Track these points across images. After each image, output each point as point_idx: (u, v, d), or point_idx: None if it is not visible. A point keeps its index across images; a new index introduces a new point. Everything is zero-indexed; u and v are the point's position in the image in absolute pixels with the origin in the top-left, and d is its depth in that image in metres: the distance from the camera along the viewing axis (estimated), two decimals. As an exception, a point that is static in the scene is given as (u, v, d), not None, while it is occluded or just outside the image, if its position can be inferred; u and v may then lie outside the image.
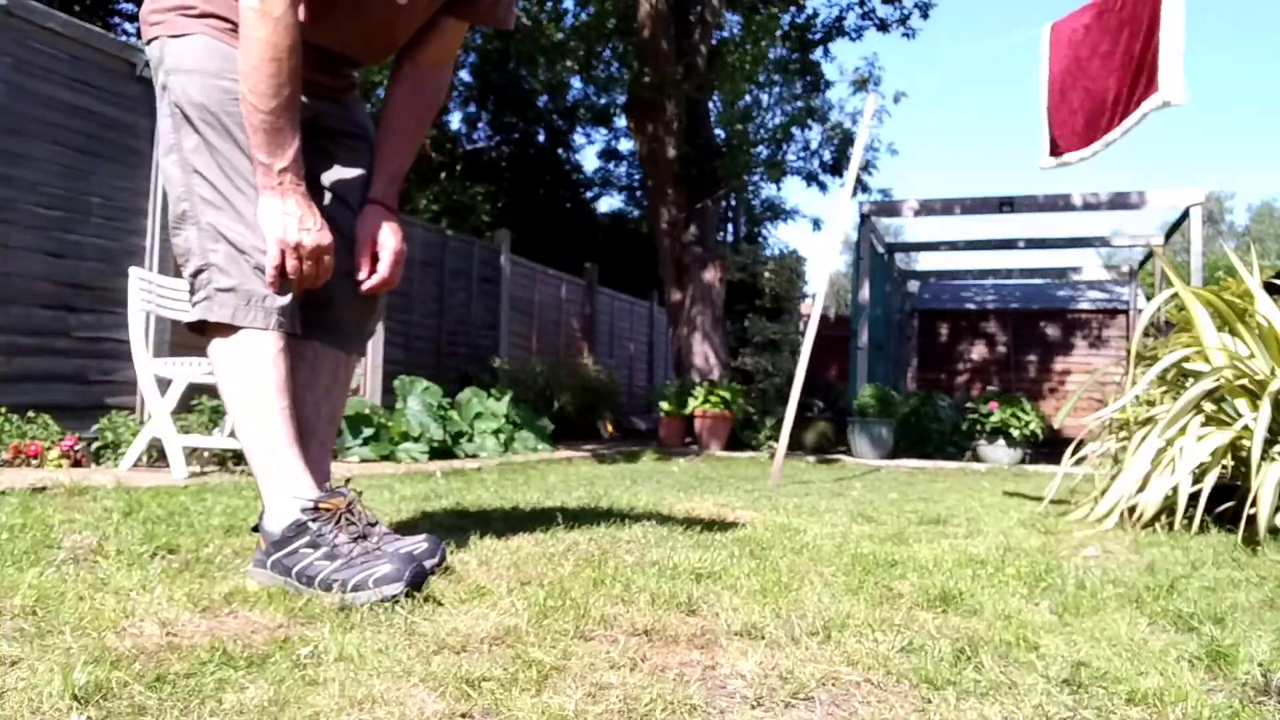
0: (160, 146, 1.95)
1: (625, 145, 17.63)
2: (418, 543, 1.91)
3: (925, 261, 16.57)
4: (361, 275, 2.03)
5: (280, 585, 1.76)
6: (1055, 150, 6.04)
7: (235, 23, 1.87)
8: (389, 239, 2.05)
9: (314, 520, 1.78)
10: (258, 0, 1.76)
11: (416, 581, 1.68)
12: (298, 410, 1.96)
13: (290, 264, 1.84)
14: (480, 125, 16.36)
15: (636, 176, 17.60)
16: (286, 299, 1.89)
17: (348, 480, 2.03)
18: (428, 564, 1.86)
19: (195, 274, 1.89)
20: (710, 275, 10.85)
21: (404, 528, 2.66)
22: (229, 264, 1.86)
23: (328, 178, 2.07)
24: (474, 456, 6.76)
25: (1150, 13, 5.19)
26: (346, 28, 2.01)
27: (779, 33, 11.22)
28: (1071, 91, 5.85)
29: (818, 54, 12.71)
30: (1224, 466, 3.24)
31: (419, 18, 2.06)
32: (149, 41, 1.95)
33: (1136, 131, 5.42)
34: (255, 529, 1.87)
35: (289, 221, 1.83)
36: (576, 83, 13.33)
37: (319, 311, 2.02)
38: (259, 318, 1.85)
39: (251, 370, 1.86)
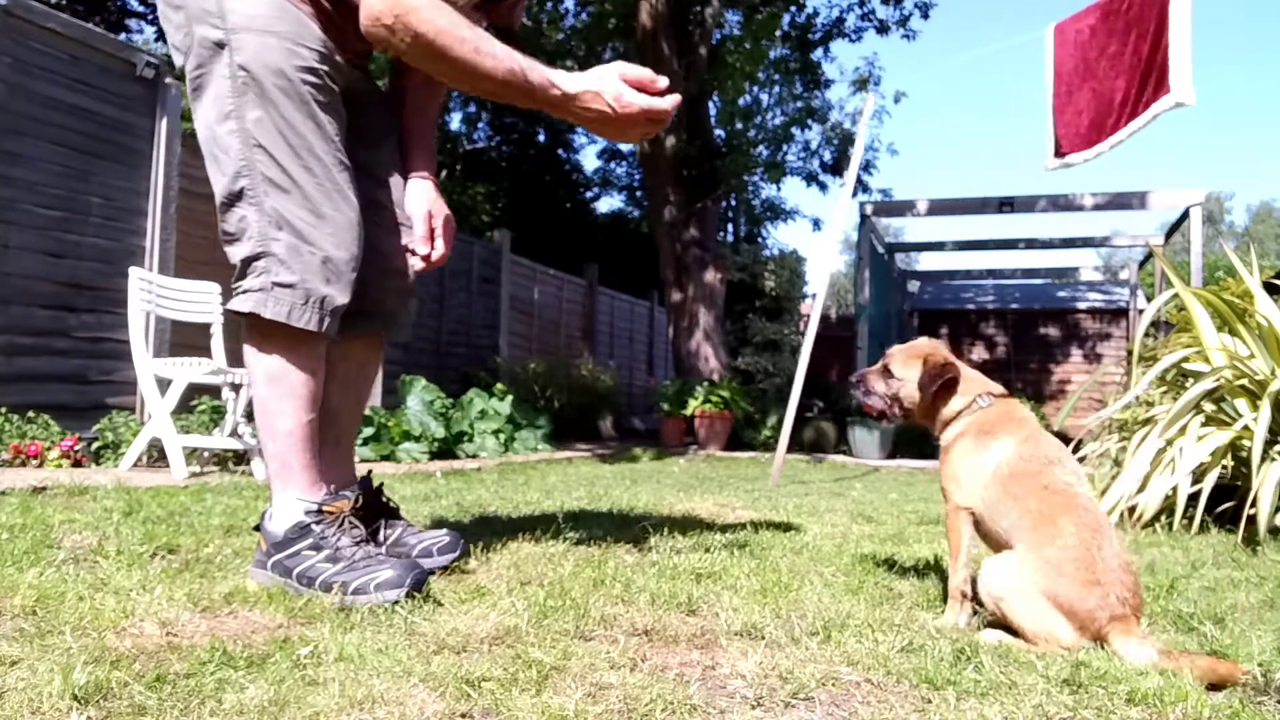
0: (211, 111, 1.76)
1: (625, 145, 17.63)
2: (439, 537, 1.93)
3: (925, 261, 16.60)
4: (423, 250, 1.98)
5: (280, 586, 1.76)
6: (1059, 151, 6.03)
7: None
8: (442, 210, 2.02)
9: (317, 522, 1.77)
10: (385, 15, 1.65)
11: (417, 585, 1.68)
12: (330, 398, 1.95)
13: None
14: (480, 125, 16.37)
15: (636, 176, 17.60)
16: (344, 299, 1.80)
17: (370, 472, 2.04)
18: (447, 558, 1.88)
19: (250, 259, 1.76)
20: (710, 275, 10.85)
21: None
22: (291, 256, 1.74)
23: (364, 157, 1.95)
24: (474, 456, 6.76)
25: (1158, 14, 5.19)
26: None
27: (779, 32, 11.22)
28: (1079, 92, 5.85)
29: (818, 54, 12.72)
30: (1224, 467, 3.24)
31: None
32: None
33: (1138, 132, 5.42)
34: (256, 528, 1.87)
35: (604, 127, 1.77)
36: (576, 83, 13.31)
37: (361, 292, 1.91)
38: (314, 319, 1.76)
39: (294, 375, 1.79)
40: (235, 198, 1.76)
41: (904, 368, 1.86)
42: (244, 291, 1.77)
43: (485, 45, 1.70)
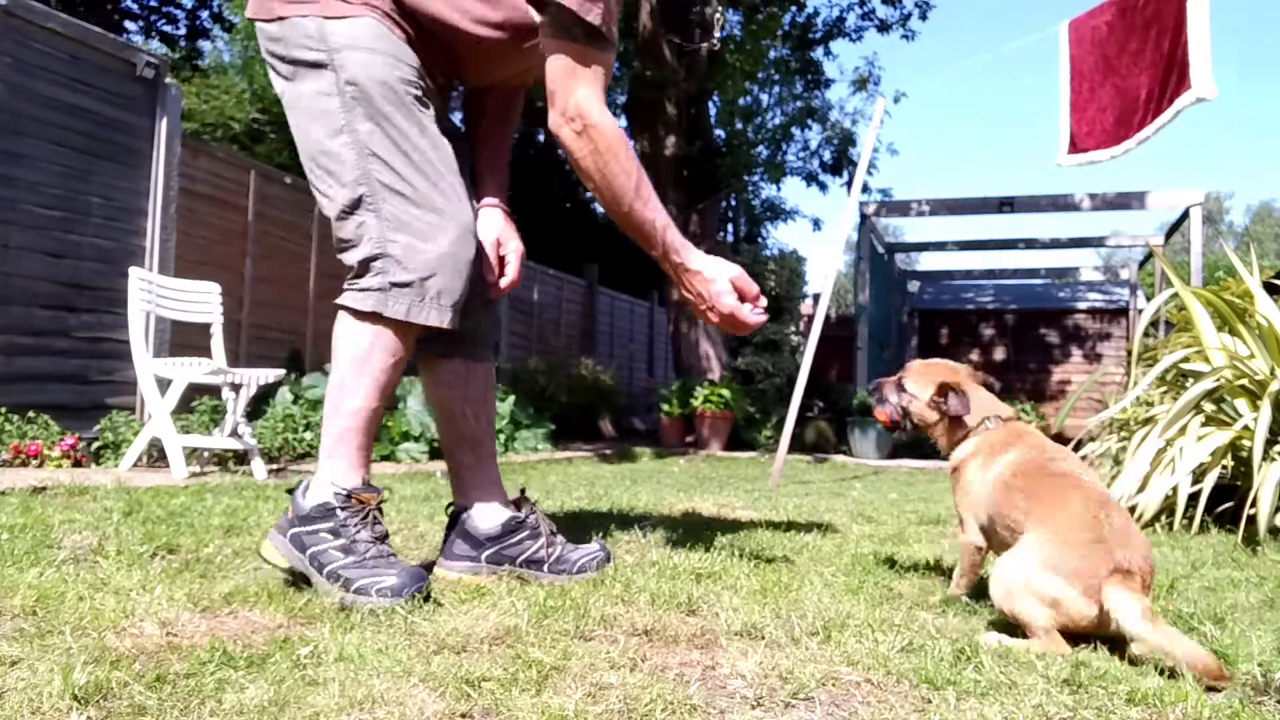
0: (319, 129, 1.82)
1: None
2: (595, 552, 2.02)
3: (926, 261, 16.59)
4: (490, 278, 2.06)
5: (291, 560, 1.78)
6: (1076, 147, 5.99)
7: (390, 14, 1.85)
8: (513, 240, 2.11)
9: (343, 508, 1.79)
10: (575, 123, 1.80)
11: (418, 596, 1.70)
12: (460, 425, 2.05)
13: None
14: (480, 125, 16.37)
15: (637, 176, 17.57)
16: (459, 294, 1.86)
17: (523, 490, 2.06)
18: (597, 568, 1.99)
19: (368, 260, 1.82)
20: (710, 275, 10.85)
21: (405, 526, 2.66)
22: (408, 256, 1.81)
23: None
24: (474, 456, 6.75)
25: (1176, 10, 5.19)
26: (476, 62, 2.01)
27: (779, 32, 11.22)
28: (1101, 89, 5.82)
29: (818, 53, 12.71)
30: (1224, 467, 3.24)
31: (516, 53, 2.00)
32: (280, 19, 1.84)
33: (1164, 128, 5.40)
34: (289, 490, 1.88)
35: (694, 304, 1.94)
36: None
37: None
38: (432, 314, 1.83)
39: (379, 360, 1.85)
40: (354, 206, 1.82)
41: (917, 384, 1.92)
42: (363, 290, 1.83)
43: (645, 189, 1.87)
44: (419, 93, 1.86)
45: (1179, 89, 5.17)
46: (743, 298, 1.92)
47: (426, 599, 1.69)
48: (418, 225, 1.81)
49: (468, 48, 1.94)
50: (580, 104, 1.80)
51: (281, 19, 1.84)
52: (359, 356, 1.84)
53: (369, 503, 1.81)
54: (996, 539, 1.75)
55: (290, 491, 1.87)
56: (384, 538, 1.80)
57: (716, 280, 1.90)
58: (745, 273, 1.95)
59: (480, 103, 2.16)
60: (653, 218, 1.87)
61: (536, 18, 1.86)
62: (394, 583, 1.68)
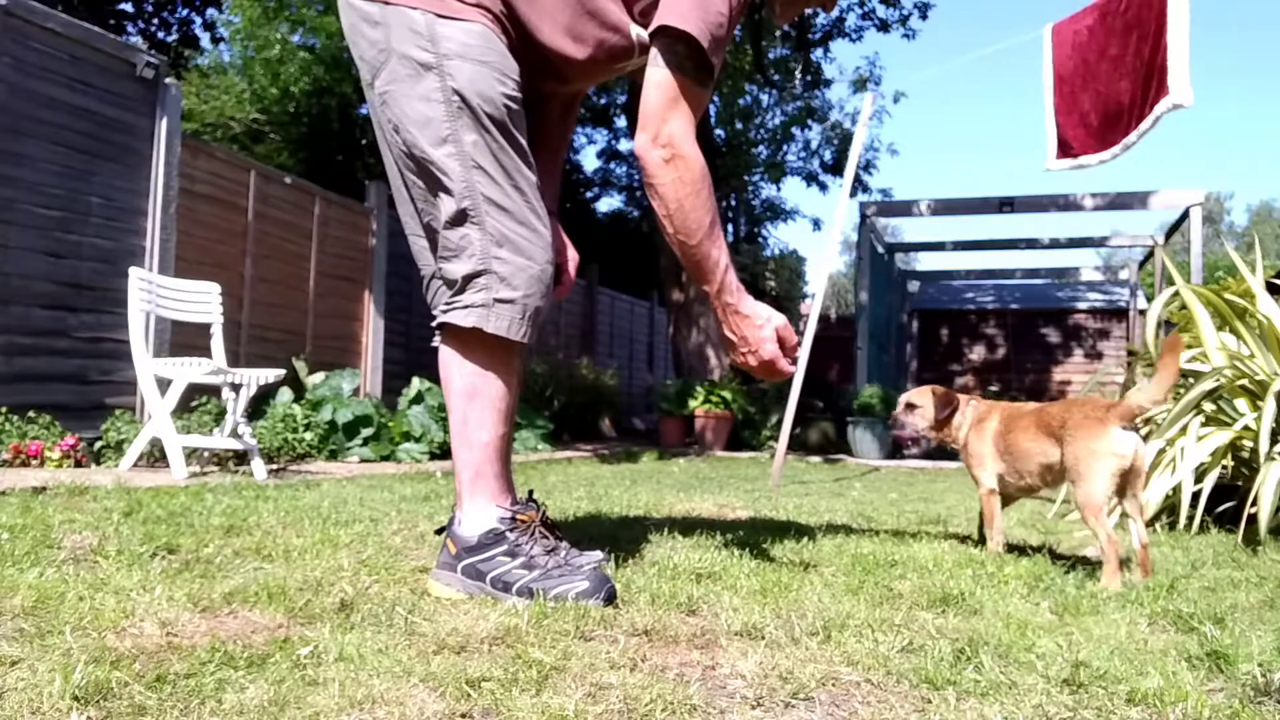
0: (421, 134, 1.79)
1: (625, 145, 17.62)
2: (599, 558, 1.99)
3: (925, 261, 16.57)
4: None
5: (468, 590, 1.78)
6: (1067, 152, 6.00)
7: (501, 19, 1.83)
8: (570, 249, 2.15)
9: (511, 530, 1.82)
10: (665, 150, 1.79)
11: (610, 597, 1.72)
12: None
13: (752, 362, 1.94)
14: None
15: (636, 176, 17.59)
16: (545, 310, 1.87)
17: (531, 492, 2.06)
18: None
19: (471, 276, 1.80)
20: (710, 275, 10.85)
21: (405, 526, 2.66)
22: (514, 273, 1.80)
23: None
24: (474, 456, 6.75)
25: (1157, 15, 5.18)
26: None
27: (779, 32, 11.22)
28: (1082, 94, 5.83)
29: (818, 54, 12.71)
30: (1224, 466, 3.24)
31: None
32: (384, 3, 1.77)
33: (1146, 134, 5.41)
34: (439, 531, 1.89)
35: (735, 346, 1.93)
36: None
37: None
38: (529, 332, 1.83)
39: (494, 388, 1.85)
40: (460, 218, 1.81)
41: (919, 400, 2.62)
42: (465, 306, 1.81)
43: (716, 229, 1.87)
44: (518, 108, 1.84)
45: (1158, 95, 5.18)
46: (782, 346, 1.92)
47: (611, 600, 1.70)
48: (518, 241, 1.81)
49: (560, 63, 1.93)
50: (674, 134, 1.79)
51: (386, 3, 1.78)
52: (474, 388, 1.85)
53: (532, 520, 1.85)
54: (1006, 481, 2.43)
55: (440, 531, 1.89)
56: (554, 550, 1.82)
57: (764, 327, 1.90)
58: (789, 322, 1.95)
59: (545, 107, 2.12)
60: (718, 256, 1.87)
61: (633, 33, 1.88)
62: (586, 585, 1.71)
